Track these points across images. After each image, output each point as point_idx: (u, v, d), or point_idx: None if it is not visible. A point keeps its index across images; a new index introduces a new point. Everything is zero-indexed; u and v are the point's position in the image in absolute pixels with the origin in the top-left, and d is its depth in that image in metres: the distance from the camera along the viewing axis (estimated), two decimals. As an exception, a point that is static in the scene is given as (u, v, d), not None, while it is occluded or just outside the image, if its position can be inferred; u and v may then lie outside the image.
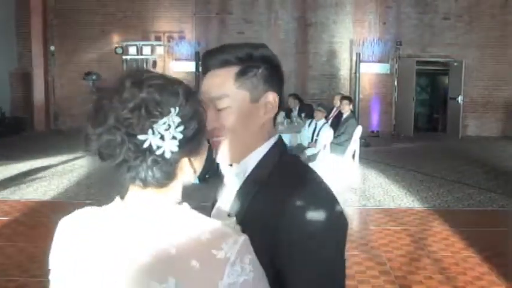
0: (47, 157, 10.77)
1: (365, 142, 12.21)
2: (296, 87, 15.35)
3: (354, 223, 6.80)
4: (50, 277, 1.19)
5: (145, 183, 1.09)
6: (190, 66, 14.99)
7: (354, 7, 15.58)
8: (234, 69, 1.31)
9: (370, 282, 4.65)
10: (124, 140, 1.04)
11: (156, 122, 1.05)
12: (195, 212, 1.13)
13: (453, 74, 15.78)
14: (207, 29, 15.67)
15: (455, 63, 15.49)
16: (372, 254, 5.37)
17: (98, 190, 8.13)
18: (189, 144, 1.10)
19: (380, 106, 15.82)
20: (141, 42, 15.07)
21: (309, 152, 8.27)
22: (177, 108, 1.07)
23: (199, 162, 1.18)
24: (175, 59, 15.57)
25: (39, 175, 9.17)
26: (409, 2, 15.44)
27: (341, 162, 8.77)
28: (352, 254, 5.35)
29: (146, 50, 14.99)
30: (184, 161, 1.13)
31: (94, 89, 0.97)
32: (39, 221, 6.52)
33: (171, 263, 1.06)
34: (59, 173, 9.36)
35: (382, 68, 15.71)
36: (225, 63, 1.32)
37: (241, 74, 1.31)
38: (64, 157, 10.83)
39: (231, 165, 1.37)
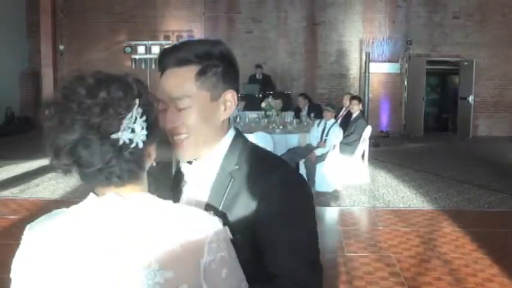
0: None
1: (374, 142, 12.14)
2: (305, 86, 15.31)
3: (363, 224, 6.77)
4: (12, 281, 1.19)
5: (122, 180, 1.12)
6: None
7: (363, 6, 15.50)
8: (193, 69, 1.31)
9: (379, 284, 4.61)
10: (99, 145, 1.06)
11: (124, 118, 1.07)
12: (166, 201, 1.18)
13: (463, 73, 15.65)
14: (215, 28, 15.66)
15: (466, 63, 15.37)
16: (381, 255, 5.32)
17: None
18: (153, 130, 1.15)
19: (389, 106, 15.73)
20: (150, 42, 15.05)
21: (318, 151, 8.21)
22: (137, 100, 1.09)
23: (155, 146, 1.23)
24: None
25: (47, 174, 9.17)
26: (419, 1, 15.34)
27: (350, 162, 8.72)
28: (361, 255, 5.32)
29: (155, 49, 14.96)
30: (151, 147, 1.18)
31: (42, 104, 0.99)
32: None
33: (154, 249, 1.10)
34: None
35: (391, 68, 15.62)
36: (184, 62, 1.31)
37: (201, 74, 1.31)
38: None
39: (190, 162, 1.42)
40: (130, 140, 1.08)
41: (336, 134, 8.42)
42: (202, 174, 1.39)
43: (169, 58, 1.34)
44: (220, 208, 1.32)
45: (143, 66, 14.97)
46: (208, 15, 15.56)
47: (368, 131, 8.93)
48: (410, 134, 15.06)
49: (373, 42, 15.46)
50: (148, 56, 14.91)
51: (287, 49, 15.65)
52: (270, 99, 10.67)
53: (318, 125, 8.66)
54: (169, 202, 1.18)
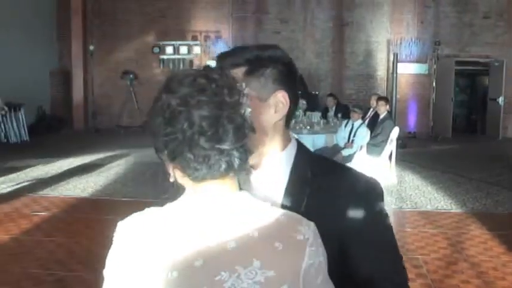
0: (85, 155, 10.97)
1: (402, 143, 12.06)
2: (332, 87, 15.28)
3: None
4: (106, 278, 1.17)
5: (235, 171, 1.12)
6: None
7: (391, 6, 15.39)
8: (242, 70, 1.33)
9: (405, 285, 4.59)
10: (236, 119, 1.08)
11: (241, 99, 1.11)
12: (259, 200, 1.17)
13: (493, 74, 15.44)
14: (243, 29, 15.72)
15: (496, 63, 15.16)
16: (408, 257, 5.30)
17: (133, 188, 8.26)
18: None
19: (417, 107, 15.60)
20: (178, 42, 15.20)
21: (345, 152, 8.21)
22: (243, 85, 1.14)
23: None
24: (212, 59, 15.65)
25: (77, 172, 9.35)
26: (448, 1, 15.17)
27: (377, 163, 8.68)
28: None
29: (183, 50, 15.12)
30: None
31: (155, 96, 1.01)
32: (78, 217, 6.65)
33: (255, 246, 1.09)
34: (96, 170, 9.53)
35: (419, 69, 15.49)
36: (235, 65, 1.34)
37: (248, 74, 1.33)
38: (101, 155, 11.03)
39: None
40: (248, 119, 1.12)
41: (363, 135, 8.41)
42: (269, 184, 1.36)
43: (223, 62, 1.37)
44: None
45: (171, 66, 15.16)
46: (236, 15, 15.63)
47: (395, 131, 8.88)
48: (438, 135, 14.92)
49: (401, 43, 15.35)
50: (176, 56, 15.08)
51: (314, 49, 15.64)
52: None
53: (345, 125, 8.66)
54: (268, 204, 1.17)
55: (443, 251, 5.49)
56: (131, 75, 15.14)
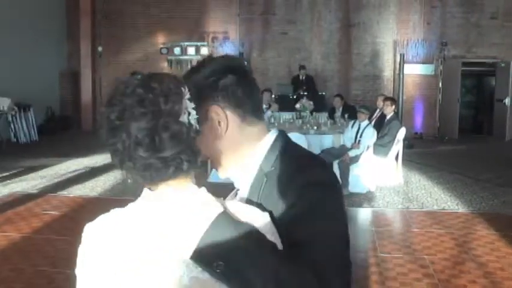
0: (93, 155, 11.05)
1: (408, 144, 12.09)
2: (339, 88, 15.31)
3: (396, 225, 6.78)
4: (77, 277, 1.24)
5: (185, 171, 1.15)
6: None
7: (397, 7, 15.41)
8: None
9: (412, 285, 4.64)
10: (171, 129, 1.10)
11: (182, 103, 1.13)
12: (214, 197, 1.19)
13: (500, 75, 15.44)
14: (250, 30, 15.77)
15: (503, 64, 15.15)
16: (415, 257, 5.35)
17: (142, 187, 8.30)
18: (199, 120, 1.19)
19: (424, 108, 15.61)
20: (186, 43, 15.27)
21: (352, 153, 8.26)
22: (185, 87, 1.16)
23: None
24: (220, 59, 15.70)
25: (86, 172, 9.45)
26: (454, 2, 15.17)
27: (384, 164, 8.73)
28: (395, 256, 5.35)
29: (191, 50, 15.19)
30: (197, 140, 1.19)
31: (101, 109, 1.03)
32: (87, 217, 6.64)
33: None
34: (105, 170, 9.58)
35: (426, 69, 15.49)
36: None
37: (190, 92, 1.25)
38: (109, 155, 11.09)
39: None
40: (190, 124, 1.14)
41: (370, 136, 8.45)
42: (243, 178, 1.40)
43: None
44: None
45: (179, 67, 15.24)
46: (244, 16, 15.68)
47: (402, 132, 8.92)
48: (444, 136, 14.93)
49: (407, 44, 15.35)
50: (184, 57, 15.15)
51: (321, 50, 15.67)
52: (304, 100, 10.74)
53: (352, 126, 8.70)
54: (221, 199, 1.21)
55: (450, 251, 5.52)
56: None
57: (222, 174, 1.42)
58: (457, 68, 15.25)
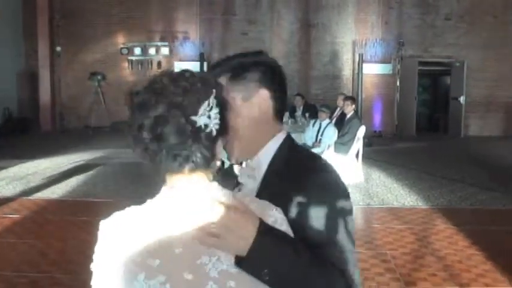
0: (53, 156, 10.89)
1: (368, 142, 12.29)
2: (299, 87, 15.43)
3: (358, 222, 6.90)
4: (94, 273, 1.27)
5: (196, 165, 1.20)
6: (195, 67, 15.09)
7: (356, 8, 15.67)
8: (225, 77, 1.46)
9: (375, 279, 4.74)
10: (180, 122, 1.16)
11: (202, 104, 1.18)
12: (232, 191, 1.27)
13: (455, 74, 15.89)
14: (211, 30, 15.78)
15: (457, 64, 15.59)
16: (376, 252, 5.46)
17: (104, 189, 8.26)
18: (223, 125, 1.24)
19: (382, 106, 15.91)
20: (147, 43, 15.17)
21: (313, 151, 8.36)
22: (214, 91, 1.21)
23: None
24: (180, 60, 15.67)
25: (46, 174, 9.29)
26: (411, 3, 15.53)
27: (345, 162, 8.85)
28: (357, 252, 5.45)
29: (151, 51, 15.10)
30: (219, 142, 1.26)
31: (131, 91, 1.09)
32: (49, 219, 6.63)
33: None
34: (66, 171, 9.47)
35: (384, 69, 15.80)
36: (222, 72, 1.48)
37: (231, 79, 1.46)
38: (71, 156, 10.95)
39: (240, 163, 1.54)
40: (206, 125, 1.18)
41: (331, 134, 8.57)
42: (248, 178, 1.51)
43: (213, 73, 1.48)
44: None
45: (140, 67, 15.12)
46: (204, 16, 15.67)
47: (362, 130, 9.06)
48: (402, 134, 15.24)
49: (365, 44, 15.63)
50: (144, 57, 15.04)
51: (281, 50, 15.78)
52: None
53: (313, 125, 8.81)
54: (237, 192, 1.31)
55: (411, 245, 5.66)
56: (99, 76, 15.05)
57: (236, 156, 1.50)
58: (414, 67, 15.62)
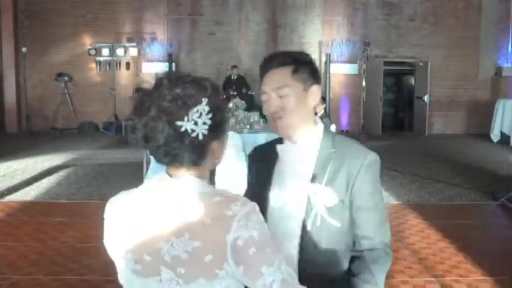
0: (22, 158, 10.74)
1: (336, 141, 12.46)
2: (267, 87, 15.51)
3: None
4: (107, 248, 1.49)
5: (181, 163, 1.37)
6: (163, 68, 15.06)
7: (322, 8, 15.85)
8: (289, 68, 1.81)
9: (354, 273, 4.88)
10: (165, 126, 1.31)
11: (190, 110, 1.32)
12: (212, 187, 1.42)
13: (419, 74, 16.23)
14: (178, 31, 15.76)
15: (421, 64, 15.94)
16: (353, 247, 5.60)
17: (77, 190, 8.21)
18: (217, 129, 1.38)
19: (349, 106, 16.16)
20: (115, 44, 15.06)
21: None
22: (207, 99, 1.34)
23: (223, 148, 1.48)
24: (148, 60, 15.61)
25: (17, 176, 9.17)
26: (376, 4, 15.81)
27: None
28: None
29: (120, 51, 14.99)
30: (214, 143, 1.40)
31: (135, 89, 1.23)
32: (25, 221, 6.56)
33: (188, 222, 1.31)
34: (37, 174, 9.37)
35: (350, 69, 16.04)
36: (282, 64, 1.82)
37: (295, 71, 1.81)
38: (39, 158, 10.81)
39: (281, 142, 1.94)
40: (192, 130, 1.32)
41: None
42: (304, 155, 1.86)
43: (272, 62, 1.84)
44: (324, 181, 1.79)
45: (108, 68, 15.00)
46: (171, 17, 15.64)
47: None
48: (368, 133, 15.50)
49: (332, 44, 15.84)
50: (112, 58, 14.92)
51: (249, 51, 15.87)
52: (237, 99, 10.90)
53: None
54: (214, 187, 1.42)
55: (385, 240, 5.82)
56: (66, 78, 14.88)
57: (285, 132, 1.85)
58: (380, 67, 15.89)
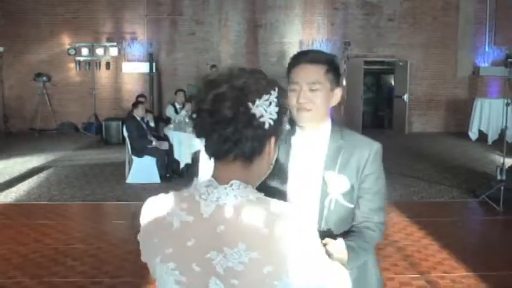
0: (1, 160, 10.60)
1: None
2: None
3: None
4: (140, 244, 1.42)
5: (239, 154, 1.28)
6: (143, 67, 15.00)
7: (302, 8, 15.90)
8: (324, 67, 1.97)
9: (340, 271, 4.91)
10: (235, 102, 1.25)
11: (261, 97, 1.27)
12: (262, 194, 1.31)
13: (398, 73, 16.37)
14: (158, 30, 15.68)
15: (401, 63, 16.08)
16: (339, 245, 5.63)
17: (59, 191, 8.14)
18: (279, 126, 1.32)
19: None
20: (94, 43, 14.93)
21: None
22: (276, 91, 1.30)
23: (276, 151, 1.40)
24: (128, 60, 15.51)
25: (-3, 179, 9.06)
26: (356, 4, 15.89)
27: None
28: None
29: (99, 51, 14.87)
30: (272, 140, 1.34)
31: (206, 75, 1.21)
32: (7, 224, 6.49)
33: (242, 231, 1.23)
34: (16, 175, 9.25)
35: (331, 68, 16.08)
36: (317, 61, 1.98)
37: (327, 71, 1.97)
38: (18, 160, 10.68)
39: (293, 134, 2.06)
40: (261, 116, 1.25)
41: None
42: (316, 145, 2.03)
43: (306, 57, 1.99)
44: (337, 170, 1.97)
45: (87, 68, 14.88)
46: (151, 17, 15.55)
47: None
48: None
49: (312, 44, 15.87)
50: (92, 58, 14.79)
51: (229, 51, 15.86)
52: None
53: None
54: (268, 197, 1.31)
55: (370, 238, 5.86)
56: (44, 78, 14.71)
57: (309, 123, 1.99)
58: (360, 66, 15.99)
